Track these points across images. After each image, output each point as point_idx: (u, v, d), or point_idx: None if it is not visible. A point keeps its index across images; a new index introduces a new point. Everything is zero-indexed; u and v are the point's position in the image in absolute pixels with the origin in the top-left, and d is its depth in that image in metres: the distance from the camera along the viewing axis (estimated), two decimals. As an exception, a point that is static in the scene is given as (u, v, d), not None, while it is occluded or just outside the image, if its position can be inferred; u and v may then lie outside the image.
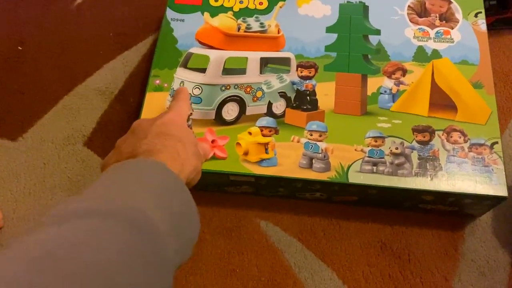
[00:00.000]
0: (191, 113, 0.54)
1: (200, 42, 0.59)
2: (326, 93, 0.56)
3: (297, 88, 0.56)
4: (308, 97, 0.56)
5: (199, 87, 0.55)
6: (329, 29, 0.59)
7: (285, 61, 0.58)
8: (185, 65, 0.57)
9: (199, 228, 0.37)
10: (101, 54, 0.70)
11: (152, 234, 0.30)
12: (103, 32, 0.72)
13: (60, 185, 0.59)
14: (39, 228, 0.28)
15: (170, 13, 0.61)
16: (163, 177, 0.36)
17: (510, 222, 0.56)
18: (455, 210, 0.55)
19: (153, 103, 0.55)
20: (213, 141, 0.53)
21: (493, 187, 0.50)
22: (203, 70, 0.56)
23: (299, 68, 0.57)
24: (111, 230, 0.28)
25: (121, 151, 0.41)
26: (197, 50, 0.58)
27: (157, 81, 0.56)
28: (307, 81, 0.57)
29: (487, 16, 0.65)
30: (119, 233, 0.28)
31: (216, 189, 0.57)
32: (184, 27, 0.60)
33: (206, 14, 0.60)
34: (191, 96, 0.55)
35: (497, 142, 0.52)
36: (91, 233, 0.27)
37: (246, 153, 0.52)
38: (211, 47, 0.58)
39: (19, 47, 0.70)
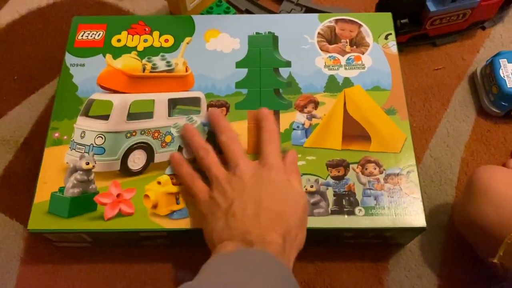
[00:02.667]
0: (93, 166, 0.51)
1: (103, 87, 0.55)
2: (238, 133, 0.53)
3: (208, 130, 0.54)
4: (220, 138, 0.53)
5: (102, 136, 0.52)
6: (238, 64, 0.57)
7: (195, 101, 0.55)
8: (86, 113, 0.54)
9: None
10: (5, 99, 0.65)
11: None
12: (7, 76, 0.67)
13: (-41, 250, 0.55)
14: None
15: (69, 58, 0.57)
16: (278, 272, 0.40)
17: (434, 247, 0.55)
18: (379, 242, 0.54)
19: (52, 159, 0.51)
20: (118, 195, 0.49)
21: (411, 218, 0.49)
22: (106, 117, 0.53)
23: (209, 108, 0.55)
24: None
25: (230, 227, 0.43)
26: (99, 95, 0.55)
27: (56, 134, 0.52)
28: (219, 121, 0.54)
29: (401, 34, 0.65)
30: None
31: (130, 244, 0.54)
32: (85, 72, 0.56)
33: (108, 56, 0.57)
34: (93, 146, 0.51)
35: (413, 170, 0.51)
36: None
37: (155, 206, 0.49)
38: (114, 91, 0.55)
39: None
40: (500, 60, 0.61)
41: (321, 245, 0.54)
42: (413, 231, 0.50)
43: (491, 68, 0.62)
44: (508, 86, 0.59)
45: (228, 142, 0.49)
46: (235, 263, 0.39)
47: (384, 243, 0.54)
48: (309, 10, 0.70)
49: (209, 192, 0.47)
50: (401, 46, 0.67)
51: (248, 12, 0.70)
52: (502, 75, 0.60)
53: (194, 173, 0.49)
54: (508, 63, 0.61)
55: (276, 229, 0.42)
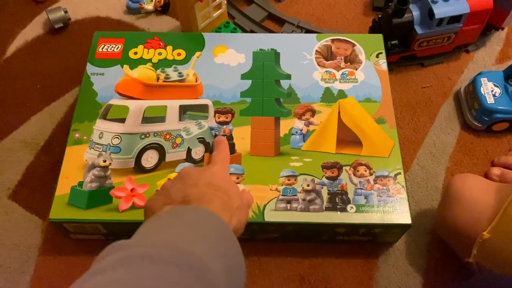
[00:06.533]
0: (110, 163, 0.56)
1: (120, 94, 0.61)
2: (242, 136, 0.59)
3: (215, 133, 0.59)
4: (225, 141, 0.59)
5: (118, 136, 0.57)
6: (243, 76, 0.63)
7: (203, 108, 0.61)
8: (104, 117, 0.59)
9: (245, 277, 0.39)
10: (29, 106, 0.71)
11: (212, 285, 0.31)
12: (31, 84, 0.73)
13: (-17, 241, 0.59)
14: (102, 271, 0.28)
15: (90, 68, 0.63)
16: (217, 227, 0.38)
17: (420, 247, 0.59)
18: (370, 239, 0.58)
19: (73, 157, 0.56)
20: (132, 190, 0.54)
21: (398, 216, 0.54)
22: (122, 120, 0.59)
23: (216, 114, 0.60)
24: (176, 279, 0.29)
25: (170, 195, 0.43)
26: (117, 101, 0.60)
27: (77, 135, 0.58)
28: (225, 126, 0.60)
29: (392, 54, 0.71)
30: (184, 282, 0.29)
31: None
32: (104, 80, 0.62)
33: (126, 66, 0.63)
34: (110, 146, 0.57)
35: (399, 173, 0.56)
36: (157, 280, 0.28)
37: (165, 199, 0.54)
38: (131, 98, 0.61)
39: None
40: (481, 79, 0.67)
41: (315, 241, 0.59)
42: (400, 228, 0.55)
43: (473, 86, 0.67)
44: (488, 102, 0.65)
45: None
46: (170, 219, 0.38)
47: (374, 240, 0.58)
48: (308, 32, 0.77)
49: None
50: (391, 65, 0.73)
51: (253, 32, 0.77)
52: (483, 92, 0.66)
53: None
54: (488, 81, 0.67)
55: (215, 193, 0.42)
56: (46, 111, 0.70)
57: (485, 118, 0.66)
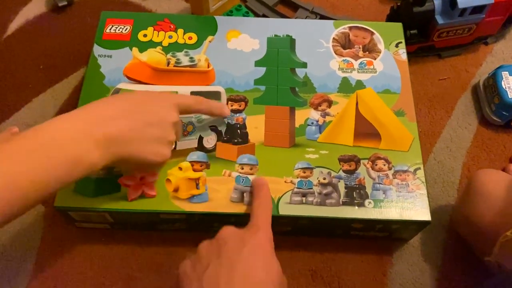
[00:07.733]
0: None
1: (128, 78, 0.58)
2: (256, 126, 0.57)
3: (227, 122, 0.57)
4: (238, 131, 0.56)
5: (128, 123, 0.55)
6: (257, 63, 0.60)
7: (216, 95, 0.58)
8: (113, 101, 0.56)
9: None
10: (30, 87, 0.68)
11: None
12: (33, 65, 0.70)
13: (-16, 228, 0.57)
14: None
15: (97, 50, 0.60)
16: None
17: (436, 244, 0.58)
18: (386, 235, 0.56)
19: (79, 142, 0.54)
20: (141, 178, 0.52)
21: (417, 212, 0.52)
22: (131, 106, 0.56)
23: (229, 102, 0.58)
24: None
25: (201, 283, 0.39)
26: (125, 85, 0.58)
27: (84, 119, 0.55)
28: (238, 115, 0.57)
29: (410, 44, 0.68)
30: None
31: (148, 228, 0.56)
32: (112, 62, 0.59)
33: (135, 49, 0.60)
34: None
35: (419, 168, 0.54)
36: None
37: (176, 190, 0.52)
38: (139, 82, 0.58)
39: None
40: (502, 72, 0.65)
41: (329, 236, 0.57)
42: (419, 225, 0.53)
43: (493, 80, 0.65)
44: (509, 97, 0.63)
45: None
46: None
47: (389, 237, 0.57)
48: (323, 18, 0.74)
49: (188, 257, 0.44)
50: (409, 56, 0.69)
51: (265, 17, 0.74)
52: (503, 86, 0.64)
53: None
54: (510, 75, 0.64)
55: None
56: (49, 93, 0.68)
57: (505, 113, 0.64)
